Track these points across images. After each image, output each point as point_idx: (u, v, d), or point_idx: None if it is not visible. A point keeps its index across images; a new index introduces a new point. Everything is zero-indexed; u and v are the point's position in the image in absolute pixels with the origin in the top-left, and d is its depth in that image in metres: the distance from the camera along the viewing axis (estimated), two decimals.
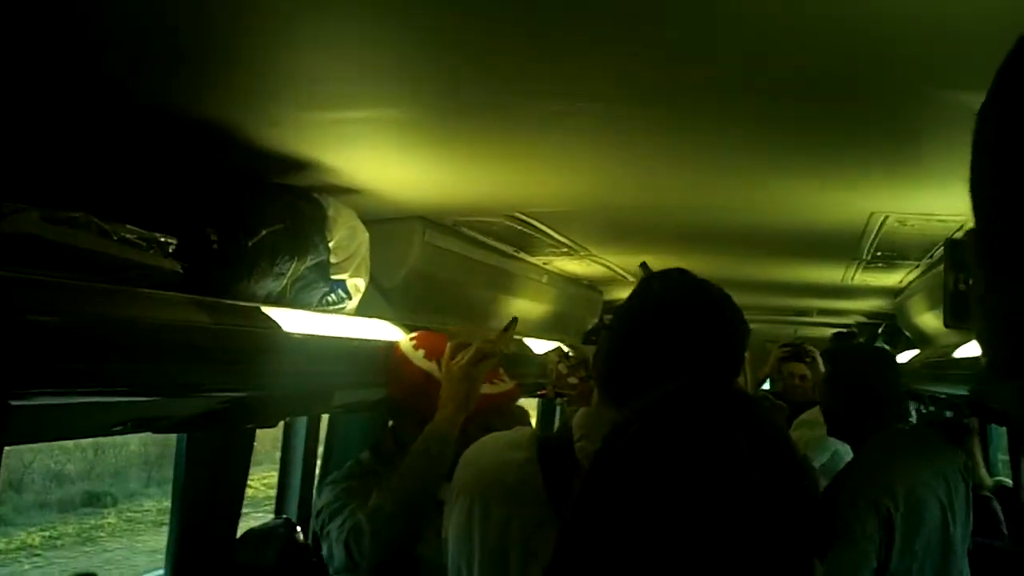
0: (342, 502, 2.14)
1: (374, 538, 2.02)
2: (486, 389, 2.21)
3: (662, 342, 1.38)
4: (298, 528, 2.86)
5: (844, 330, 6.16)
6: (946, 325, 2.21)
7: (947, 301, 2.17)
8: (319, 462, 3.30)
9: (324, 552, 2.15)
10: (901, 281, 3.73)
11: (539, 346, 3.58)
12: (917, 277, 3.52)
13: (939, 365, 3.44)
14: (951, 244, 2.34)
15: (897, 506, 2.43)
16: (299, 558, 2.70)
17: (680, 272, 1.47)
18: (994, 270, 0.44)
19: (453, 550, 1.42)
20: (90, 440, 11.39)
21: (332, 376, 2.14)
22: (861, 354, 3.19)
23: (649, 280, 1.52)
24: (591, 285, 4.11)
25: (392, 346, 2.31)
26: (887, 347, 5.02)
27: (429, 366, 2.23)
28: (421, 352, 2.26)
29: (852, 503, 2.46)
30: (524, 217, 2.57)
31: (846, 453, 3.50)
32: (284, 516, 3.07)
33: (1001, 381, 0.47)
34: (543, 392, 3.46)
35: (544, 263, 3.45)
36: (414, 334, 2.36)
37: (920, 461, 2.58)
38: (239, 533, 2.71)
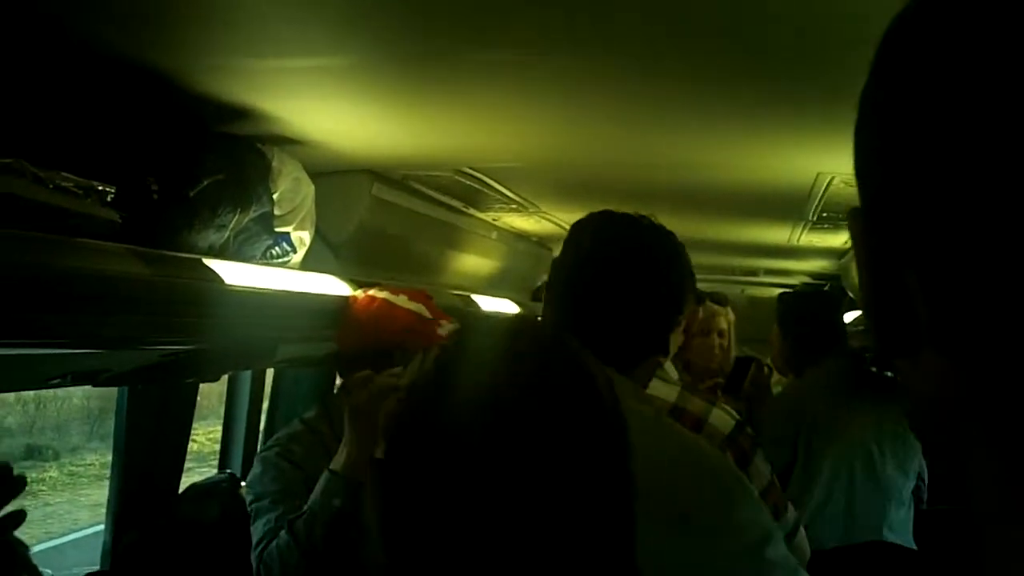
0: (270, 498, 2.05)
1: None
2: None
3: (592, 293, 1.45)
4: (242, 483, 2.84)
5: (789, 291, 6.23)
6: None
7: None
8: (264, 417, 3.29)
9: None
10: (846, 242, 3.77)
11: (487, 303, 3.57)
12: None
13: None
14: None
15: (810, 419, 2.78)
16: (242, 513, 2.69)
17: (606, 218, 1.53)
18: (878, 251, 0.42)
19: None
20: (32, 393, 11.21)
21: (275, 331, 2.11)
22: (802, 299, 3.67)
23: (580, 229, 1.55)
24: (540, 242, 4.10)
25: (366, 299, 2.22)
26: None
27: (418, 307, 2.17)
28: (404, 296, 2.20)
29: (771, 419, 2.82)
30: (473, 172, 2.55)
31: None
32: (228, 471, 3.05)
33: (886, 359, 0.46)
34: None
35: (493, 219, 3.43)
36: (376, 290, 2.26)
37: (843, 385, 2.96)
38: (182, 488, 2.69)
